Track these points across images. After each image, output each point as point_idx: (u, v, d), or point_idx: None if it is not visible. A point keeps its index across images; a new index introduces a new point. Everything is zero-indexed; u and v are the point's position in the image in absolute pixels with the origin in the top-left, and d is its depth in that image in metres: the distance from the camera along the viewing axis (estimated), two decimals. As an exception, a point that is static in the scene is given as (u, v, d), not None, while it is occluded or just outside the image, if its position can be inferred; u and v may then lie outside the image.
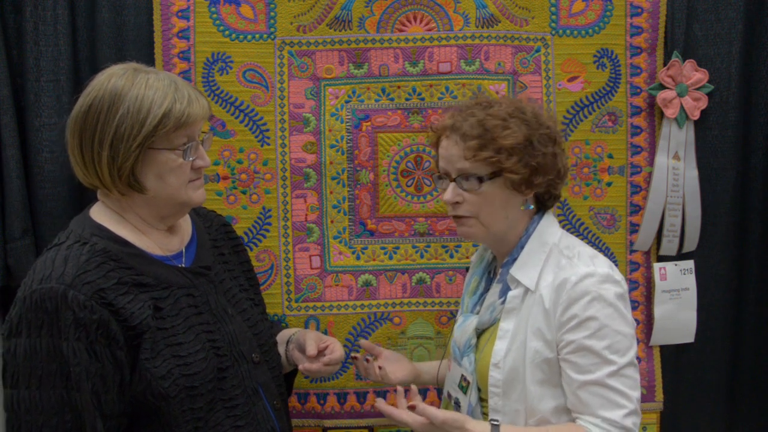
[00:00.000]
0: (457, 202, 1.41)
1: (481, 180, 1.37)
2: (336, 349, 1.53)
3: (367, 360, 1.59)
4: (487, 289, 1.50)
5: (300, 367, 1.53)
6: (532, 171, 1.36)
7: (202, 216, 1.56)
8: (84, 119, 1.27)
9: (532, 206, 1.43)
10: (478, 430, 1.29)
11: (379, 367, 1.56)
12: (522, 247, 1.41)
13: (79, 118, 1.28)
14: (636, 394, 1.31)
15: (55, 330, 1.17)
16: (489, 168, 1.36)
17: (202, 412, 1.28)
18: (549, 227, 1.44)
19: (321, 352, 1.52)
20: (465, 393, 1.43)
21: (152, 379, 1.23)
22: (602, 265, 1.36)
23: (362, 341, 1.70)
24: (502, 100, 1.45)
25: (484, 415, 1.41)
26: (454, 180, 1.40)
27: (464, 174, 1.38)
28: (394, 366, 1.61)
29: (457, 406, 1.46)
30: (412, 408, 1.31)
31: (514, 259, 1.41)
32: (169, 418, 1.25)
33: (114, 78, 1.28)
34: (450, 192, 1.41)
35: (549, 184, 1.40)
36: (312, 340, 1.54)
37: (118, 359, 1.21)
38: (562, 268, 1.36)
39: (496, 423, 1.30)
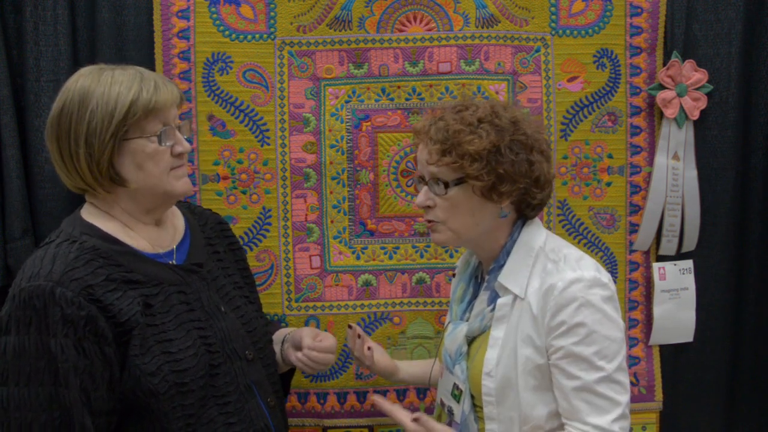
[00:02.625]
0: (428, 207, 1.39)
1: (447, 185, 1.35)
2: (327, 338, 1.54)
3: (359, 336, 1.58)
4: (475, 296, 1.47)
5: (293, 359, 1.54)
6: (498, 178, 1.32)
7: (197, 214, 1.56)
8: (58, 122, 1.30)
9: (508, 214, 1.39)
10: None
11: (369, 348, 1.57)
12: (508, 253, 1.39)
13: (54, 123, 1.30)
14: (625, 398, 1.30)
15: (44, 327, 1.17)
16: (454, 173, 1.34)
17: (193, 408, 1.28)
18: (534, 230, 1.41)
19: None
20: (458, 401, 1.41)
21: (141, 376, 1.23)
22: (588, 267, 1.33)
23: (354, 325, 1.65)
24: (481, 103, 1.40)
25: (479, 420, 1.39)
26: (426, 184, 1.39)
27: (434, 178, 1.37)
28: (378, 355, 1.62)
29: (450, 414, 1.44)
30: (416, 420, 1.32)
31: (501, 266, 1.39)
32: (160, 415, 1.25)
33: (81, 79, 1.31)
34: (422, 195, 1.39)
35: (524, 193, 1.36)
36: (308, 336, 1.55)
37: (107, 356, 1.22)
38: (549, 273, 1.34)
39: None
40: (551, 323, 1.30)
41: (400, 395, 1.91)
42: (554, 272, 1.33)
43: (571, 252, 1.39)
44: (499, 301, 1.38)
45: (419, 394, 1.91)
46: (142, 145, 1.30)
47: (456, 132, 1.33)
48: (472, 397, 1.40)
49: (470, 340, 1.43)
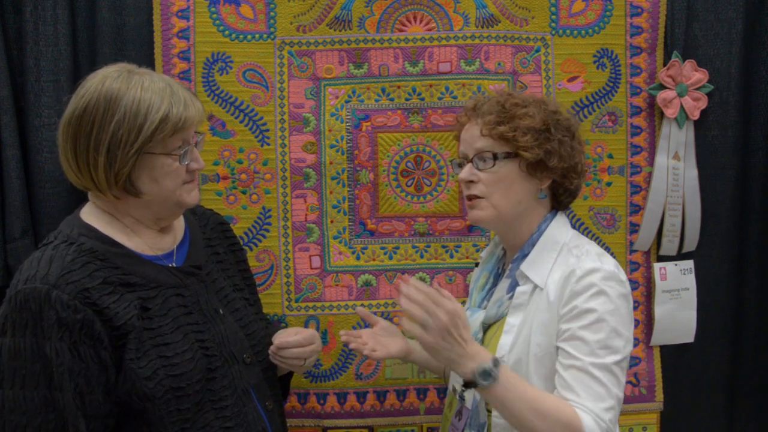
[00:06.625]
0: (471, 181, 1.43)
1: (495, 157, 1.39)
2: (300, 332, 1.48)
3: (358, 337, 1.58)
4: (495, 285, 1.51)
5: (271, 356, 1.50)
6: (546, 153, 1.38)
7: (198, 215, 1.55)
8: (78, 123, 1.25)
9: (546, 196, 1.44)
10: (479, 353, 1.24)
11: (373, 349, 1.56)
12: (533, 244, 1.42)
13: (73, 122, 1.26)
14: (619, 393, 1.30)
15: (39, 330, 1.17)
16: (505, 146, 1.39)
17: (189, 413, 1.27)
18: (561, 226, 1.45)
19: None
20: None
21: (137, 380, 1.22)
22: (609, 263, 1.37)
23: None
24: (522, 93, 1.49)
25: (489, 412, 1.40)
26: (471, 161, 1.43)
27: (480, 153, 1.41)
28: (387, 339, 1.61)
29: (462, 401, 1.46)
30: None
31: (525, 255, 1.42)
32: (155, 419, 1.24)
33: (108, 80, 1.26)
34: (466, 170, 1.44)
35: (564, 174, 1.42)
36: (283, 333, 1.50)
37: (103, 359, 1.21)
38: (570, 265, 1.37)
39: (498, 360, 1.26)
40: (564, 308, 1.33)
41: (400, 395, 1.91)
42: (575, 263, 1.36)
43: (594, 248, 1.42)
44: (518, 289, 1.41)
45: (419, 395, 1.91)
46: (162, 161, 1.28)
47: (512, 105, 1.41)
48: None
49: (486, 328, 1.46)
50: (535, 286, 1.39)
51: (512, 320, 1.40)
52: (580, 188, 1.49)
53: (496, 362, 1.23)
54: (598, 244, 1.89)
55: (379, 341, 1.59)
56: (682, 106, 1.87)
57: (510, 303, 1.41)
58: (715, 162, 1.92)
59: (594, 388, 1.27)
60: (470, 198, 1.44)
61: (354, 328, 1.87)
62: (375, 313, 1.87)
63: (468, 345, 1.23)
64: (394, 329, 1.68)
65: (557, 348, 1.33)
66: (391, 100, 1.87)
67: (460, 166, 1.48)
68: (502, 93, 1.48)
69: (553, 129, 1.40)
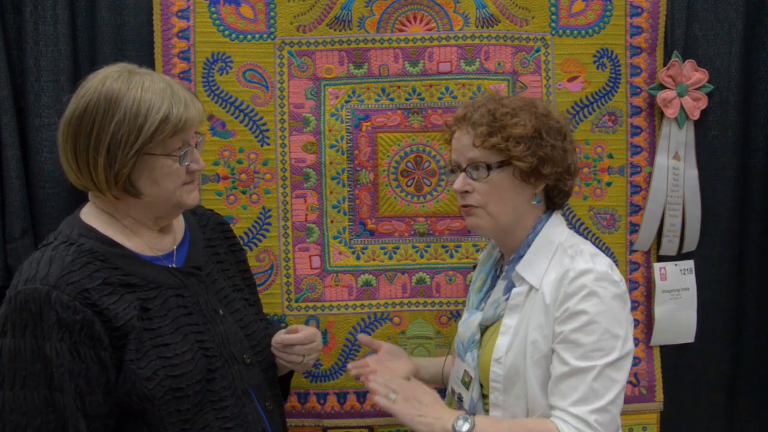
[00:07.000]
0: (466, 191, 1.43)
1: (489, 168, 1.39)
2: (299, 330, 1.49)
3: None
4: (493, 286, 1.51)
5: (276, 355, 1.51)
6: (540, 161, 1.38)
7: (198, 215, 1.55)
8: (78, 124, 1.25)
9: (541, 200, 1.44)
10: (449, 411, 1.35)
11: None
12: (529, 245, 1.42)
13: (73, 122, 1.26)
14: (610, 395, 1.28)
15: (39, 331, 1.17)
16: (498, 156, 1.39)
17: (189, 413, 1.28)
18: (556, 226, 1.45)
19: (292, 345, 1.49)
20: (467, 388, 1.44)
21: (137, 380, 1.22)
22: (602, 263, 1.36)
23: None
24: (514, 96, 1.49)
25: (486, 411, 1.41)
26: (464, 170, 1.43)
27: (474, 163, 1.41)
28: (392, 363, 1.62)
29: (460, 402, 1.47)
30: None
31: (521, 257, 1.42)
32: (155, 420, 1.24)
33: (109, 80, 1.26)
34: (460, 180, 1.43)
35: (558, 178, 1.42)
36: (283, 331, 1.51)
37: (103, 360, 1.21)
38: (564, 266, 1.37)
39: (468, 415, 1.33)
40: (557, 311, 1.33)
41: (400, 395, 1.90)
42: (569, 264, 1.36)
43: (588, 248, 1.42)
44: (514, 290, 1.41)
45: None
46: (162, 162, 1.28)
47: (503, 115, 1.39)
48: (482, 386, 1.43)
49: (483, 329, 1.46)
50: (531, 287, 1.39)
51: (508, 321, 1.40)
52: (574, 187, 1.49)
53: (467, 413, 1.34)
54: (598, 244, 1.91)
55: (386, 366, 1.60)
56: (682, 106, 1.87)
57: (506, 304, 1.42)
58: (715, 162, 1.92)
59: (580, 391, 1.27)
60: (466, 207, 1.45)
61: (354, 328, 1.87)
62: (375, 313, 1.88)
63: (438, 407, 1.36)
64: (399, 351, 1.69)
65: (553, 351, 1.33)
66: (391, 100, 1.87)
67: (453, 172, 1.48)
68: (491, 100, 1.46)
69: (544, 134, 1.40)
